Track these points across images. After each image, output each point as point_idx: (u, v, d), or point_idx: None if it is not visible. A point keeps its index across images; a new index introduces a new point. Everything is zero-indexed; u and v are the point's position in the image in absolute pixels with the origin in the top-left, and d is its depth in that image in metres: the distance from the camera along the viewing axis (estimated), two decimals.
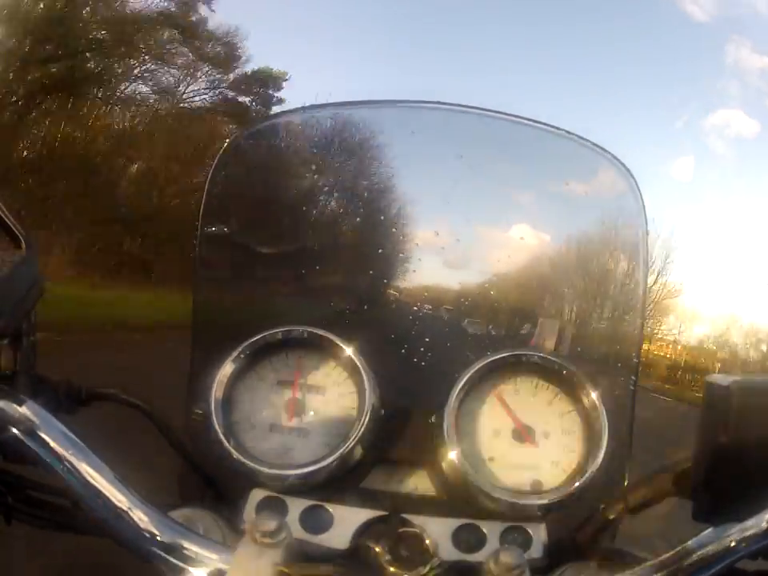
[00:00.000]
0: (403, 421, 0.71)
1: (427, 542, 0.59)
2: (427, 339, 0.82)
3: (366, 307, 0.88)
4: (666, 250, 34.37)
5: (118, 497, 0.53)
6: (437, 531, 0.61)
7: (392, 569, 0.54)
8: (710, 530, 0.51)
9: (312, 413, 0.69)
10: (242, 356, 0.69)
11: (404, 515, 0.62)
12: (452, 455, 0.63)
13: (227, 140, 0.87)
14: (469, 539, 0.61)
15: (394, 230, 0.86)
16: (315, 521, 0.62)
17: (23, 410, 0.55)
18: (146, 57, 21.12)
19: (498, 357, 0.69)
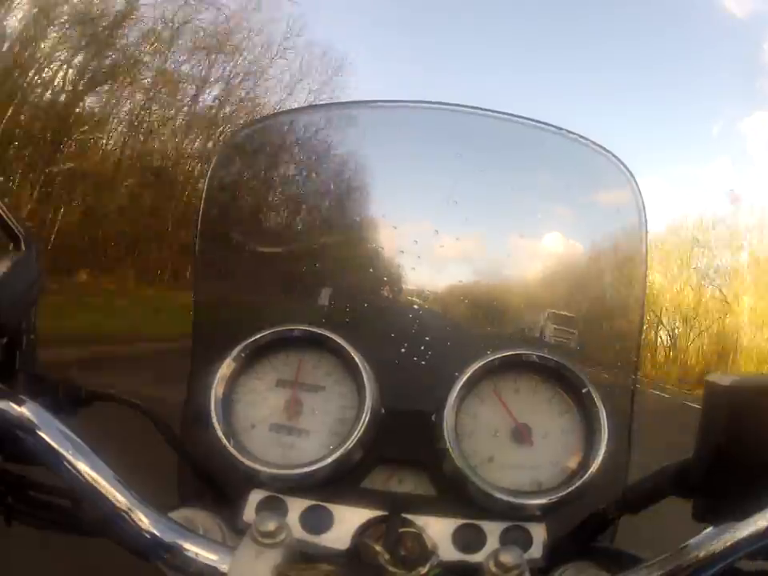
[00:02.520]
0: (403, 420, 0.71)
1: (427, 542, 0.59)
2: (427, 338, 0.82)
3: (365, 306, 0.88)
4: None
5: (117, 497, 0.53)
6: (437, 531, 0.61)
7: (392, 569, 0.54)
8: (709, 529, 0.51)
9: (312, 412, 0.69)
10: (242, 355, 0.69)
11: (404, 515, 0.62)
12: (451, 455, 0.63)
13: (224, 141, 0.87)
14: (469, 539, 0.61)
15: (394, 227, 0.86)
16: (315, 521, 0.62)
17: (23, 410, 0.55)
18: None
19: (498, 356, 0.69)
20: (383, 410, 0.69)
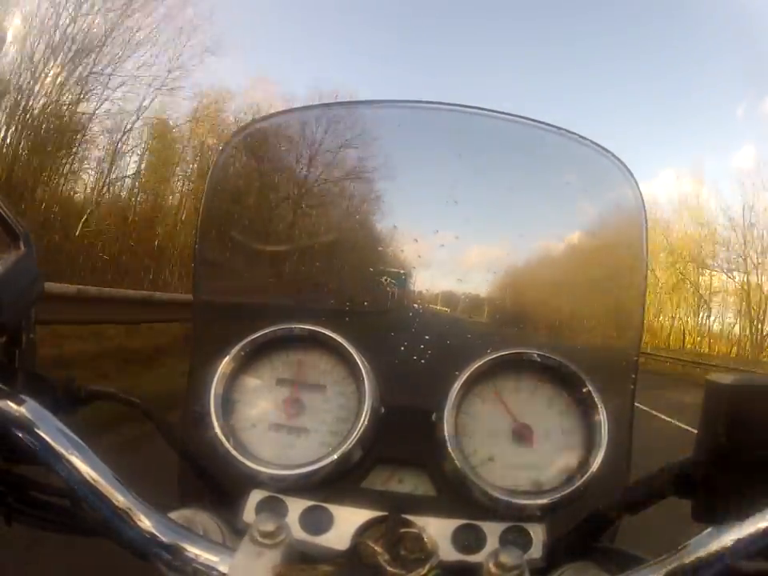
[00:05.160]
0: (403, 420, 0.71)
1: (427, 542, 0.59)
2: (427, 337, 0.81)
3: (365, 305, 0.88)
4: None
5: (117, 497, 0.53)
6: (436, 531, 0.61)
7: (391, 569, 0.54)
8: (709, 529, 0.51)
9: (312, 412, 0.69)
10: (242, 354, 0.70)
11: (404, 515, 0.62)
12: (451, 455, 0.63)
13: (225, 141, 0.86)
14: (468, 539, 0.61)
15: (394, 226, 0.86)
16: (315, 521, 0.62)
17: (23, 409, 0.55)
18: None
19: (498, 355, 0.69)
20: (383, 410, 0.69)
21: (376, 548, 0.57)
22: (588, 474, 0.62)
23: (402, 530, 0.60)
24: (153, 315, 8.97)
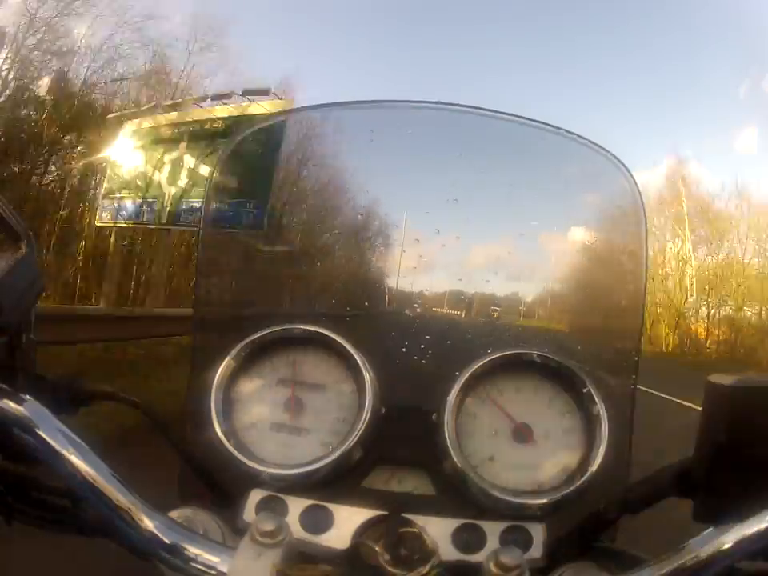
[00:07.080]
0: (403, 420, 0.71)
1: (427, 542, 0.59)
2: (427, 337, 0.81)
3: (366, 305, 0.88)
4: None
5: (117, 497, 0.53)
6: (437, 531, 0.61)
7: (392, 569, 0.54)
8: (710, 530, 0.51)
9: (312, 412, 0.69)
10: (242, 354, 0.70)
11: (404, 515, 0.62)
12: (452, 454, 0.63)
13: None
14: (469, 539, 0.61)
15: (395, 226, 0.86)
16: (315, 521, 0.62)
17: (23, 409, 0.55)
18: None
19: (498, 356, 0.69)
20: (383, 410, 0.69)
21: (376, 548, 0.57)
22: (588, 473, 0.62)
23: (402, 530, 0.60)
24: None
